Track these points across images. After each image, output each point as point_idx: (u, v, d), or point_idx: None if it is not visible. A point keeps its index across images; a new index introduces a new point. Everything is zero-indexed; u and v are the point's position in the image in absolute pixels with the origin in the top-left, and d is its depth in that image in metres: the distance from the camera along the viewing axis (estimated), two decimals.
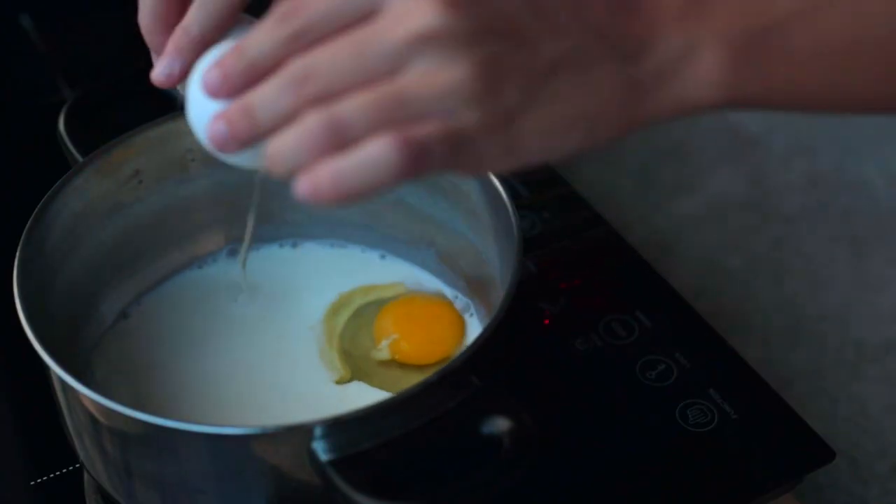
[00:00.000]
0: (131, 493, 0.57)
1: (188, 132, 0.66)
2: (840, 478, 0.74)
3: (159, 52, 0.52)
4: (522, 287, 0.56)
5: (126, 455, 0.55)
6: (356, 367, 0.64)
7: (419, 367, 0.63)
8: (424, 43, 0.41)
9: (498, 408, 0.51)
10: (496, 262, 0.62)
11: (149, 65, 0.54)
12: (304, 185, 0.42)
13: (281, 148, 0.43)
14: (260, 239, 0.71)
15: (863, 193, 0.95)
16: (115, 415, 0.52)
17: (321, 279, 0.69)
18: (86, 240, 0.64)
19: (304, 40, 0.43)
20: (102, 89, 0.71)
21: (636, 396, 0.67)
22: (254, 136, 0.44)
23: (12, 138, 0.88)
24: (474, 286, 0.67)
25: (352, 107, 0.41)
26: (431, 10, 0.41)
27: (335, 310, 0.67)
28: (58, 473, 0.64)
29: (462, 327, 0.64)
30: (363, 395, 0.63)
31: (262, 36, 0.44)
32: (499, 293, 0.57)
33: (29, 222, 0.60)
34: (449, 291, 0.68)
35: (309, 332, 0.66)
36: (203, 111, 0.48)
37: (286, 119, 0.43)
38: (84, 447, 0.58)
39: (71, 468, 0.64)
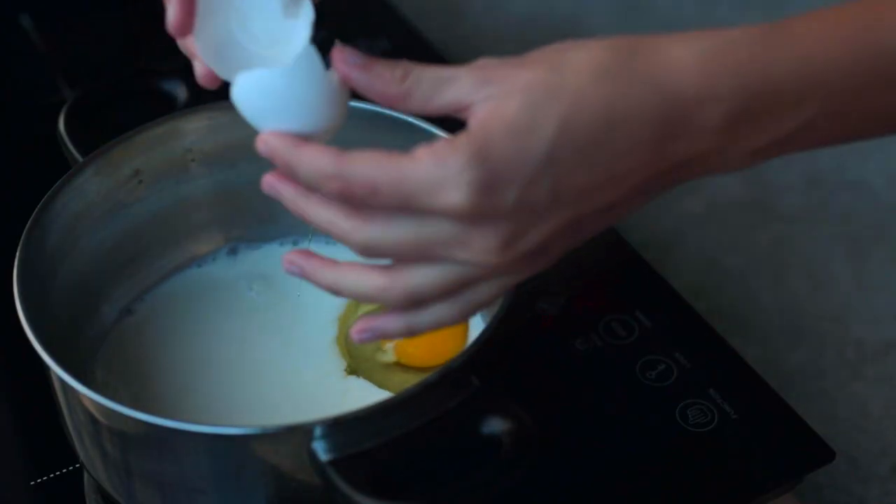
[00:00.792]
0: (131, 493, 0.57)
1: (188, 132, 0.66)
2: (840, 478, 0.74)
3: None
4: (522, 287, 0.56)
5: (126, 455, 0.55)
6: (359, 369, 0.64)
7: (423, 370, 0.63)
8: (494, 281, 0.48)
9: (498, 408, 0.51)
10: None
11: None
12: (375, 332, 0.49)
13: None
14: (260, 238, 0.71)
15: (863, 193, 0.95)
16: (115, 415, 0.52)
17: None
18: (86, 240, 0.64)
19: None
20: (102, 89, 0.71)
21: (636, 396, 0.67)
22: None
23: (12, 138, 0.88)
24: None
25: (424, 282, 0.48)
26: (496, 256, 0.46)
27: (354, 307, 0.67)
28: (58, 473, 0.64)
29: (466, 331, 0.64)
30: (364, 395, 0.63)
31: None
32: None
33: (29, 222, 0.60)
34: None
35: (308, 332, 0.66)
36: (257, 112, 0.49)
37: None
38: (84, 447, 0.58)
39: (71, 468, 0.64)
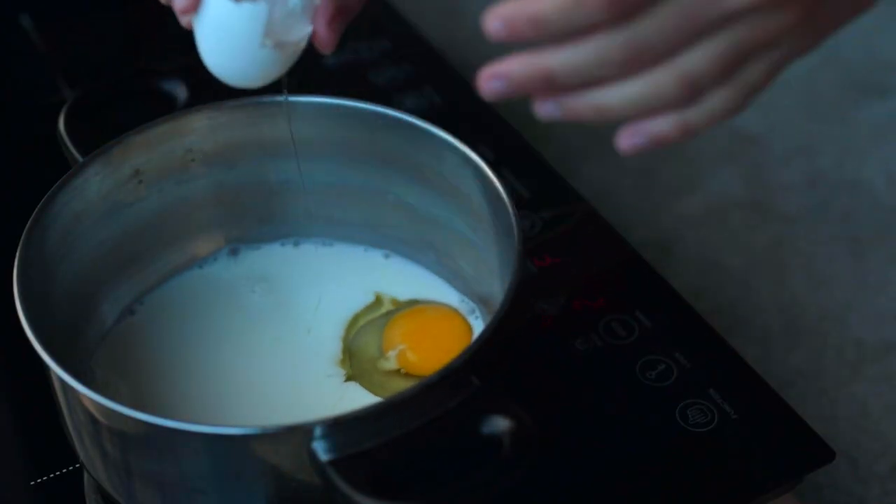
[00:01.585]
0: (131, 493, 0.57)
1: (188, 132, 0.66)
2: (840, 478, 0.74)
3: None
4: (522, 287, 0.56)
5: (126, 455, 0.55)
6: (360, 376, 0.64)
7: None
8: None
9: (498, 408, 0.51)
10: (496, 262, 0.62)
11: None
12: (646, 135, 0.46)
13: (625, 99, 0.45)
14: (261, 238, 0.71)
15: (863, 193, 0.95)
16: (115, 415, 0.52)
17: (322, 279, 0.69)
18: (86, 240, 0.64)
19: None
20: (102, 89, 0.71)
21: (636, 396, 0.67)
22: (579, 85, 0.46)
23: (12, 138, 0.88)
24: (475, 286, 0.67)
25: (699, 64, 0.44)
26: None
27: (367, 311, 0.67)
28: (58, 473, 0.64)
29: (470, 338, 0.64)
30: (365, 396, 0.63)
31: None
32: (499, 293, 0.57)
33: (29, 222, 0.60)
34: (455, 295, 0.68)
35: (309, 332, 0.66)
36: (229, 33, 0.49)
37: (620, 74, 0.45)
38: (84, 447, 0.58)
39: (71, 468, 0.64)
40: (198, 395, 0.63)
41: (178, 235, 0.69)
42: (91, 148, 0.64)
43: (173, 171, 0.67)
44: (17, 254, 0.58)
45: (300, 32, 0.53)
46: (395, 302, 0.67)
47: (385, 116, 0.65)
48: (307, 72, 0.94)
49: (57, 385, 0.56)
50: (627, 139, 0.46)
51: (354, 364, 0.64)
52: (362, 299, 0.68)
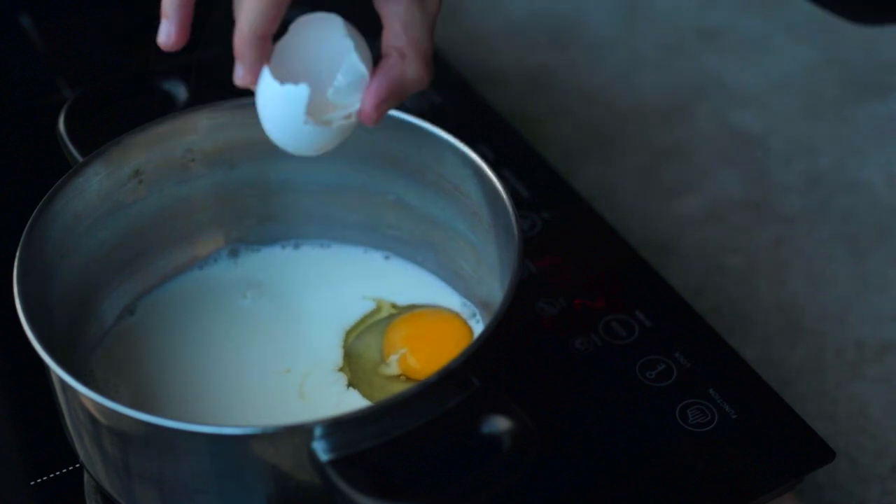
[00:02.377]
0: (131, 494, 0.57)
1: (188, 132, 0.66)
2: (840, 478, 0.74)
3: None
4: (522, 287, 0.56)
5: (126, 455, 0.55)
6: (361, 379, 0.63)
7: None
8: None
9: (498, 408, 0.51)
10: (496, 262, 0.62)
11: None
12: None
13: None
14: (261, 239, 0.71)
15: (863, 193, 0.95)
16: (115, 415, 0.52)
17: (322, 280, 0.69)
18: (86, 240, 0.64)
19: None
20: (102, 89, 0.71)
21: (636, 396, 0.67)
22: None
23: (12, 138, 0.88)
24: (475, 287, 0.67)
25: None
26: None
27: (367, 315, 0.67)
28: (58, 473, 0.64)
29: (470, 341, 0.64)
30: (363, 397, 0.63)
31: None
32: (499, 294, 0.57)
33: (29, 222, 0.60)
34: (456, 298, 0.68)
35: (309, 333, 0.66)
36: (278, 110, 0.53)
37: None
38: (84, 447, 0.58)
39: (71, 468, 0.65)
40: (198, 395, 0.63)
41: (178, 235, 0.69)
42: (91, 148, 0.64)
43: (173, 171, 0.67)
44: (17, 254, 0.58)
45: (345, 111, 0.55)
46: (394, 306, 0.67)
47: (385, 116, 0.65)
48: None
49: (57, 385, 0.56)
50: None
51: (354, 369, 0.64)
52: (362, 302, 0.68)
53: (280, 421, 0.51)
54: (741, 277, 0.88)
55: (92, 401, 0.53)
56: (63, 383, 0.54)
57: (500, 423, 0.51)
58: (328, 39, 0.55)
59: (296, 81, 0.53)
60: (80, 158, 0.64)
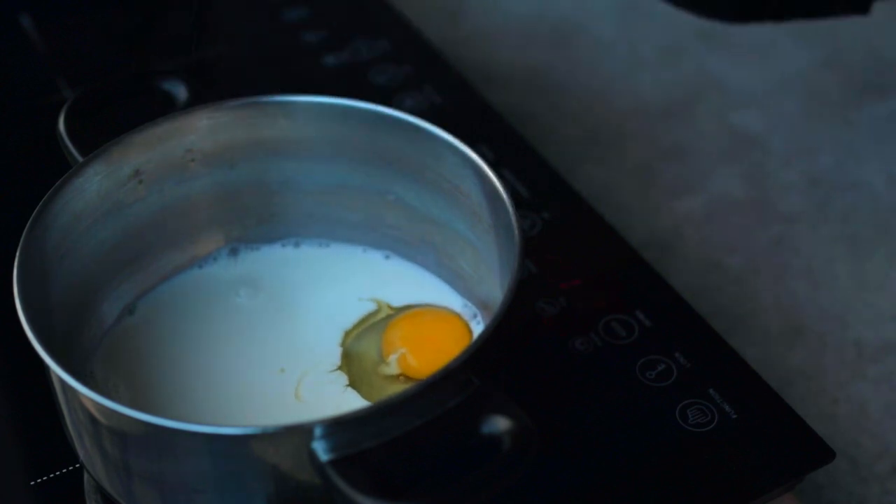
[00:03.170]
0: (131, 493, 0.57)
1: (188, 132, 0.66)
2: (840, 478, 0.74)
3: None
4: (522, 287, 0.56)
5: (126, 455, 0.55)
6: (360, 379, 0.63)
7: None
8: None
9: (498, 408, 0.51)
10: (496, 262, 0.62)
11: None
12: None
13: None
14: (261, 239, 0.71)
15: (863, 193, 0.95)
16: (115, 415, 0.52)
17: (322, 280, 0.69)
18: (86, 240, 0.64)
19: None
20: (102, 89, 0.71)
21: (636, 396, 0.67)
22: None
23: (12, 138, 0.88)
24: (475, 287, 0.67)
25: None
26: None
27: (367, 315, 0.67)
28: (58, 473, 0.65)
29: (470, 341, 0.64)
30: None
31: None
32: (499, 293, 0.57)
33: (29, 222, 0.60)
34: (457, 299, 0.68)
35: (309, 333, 0.66)
36: None
37: None
38: (84, 447, 0.58)
39: (71, 468, 0.65)
40: (198, 395, 0.63)
41: (178, 235, 0.69)
42: (91, 148, 0.64)
43: (173, 171, 0.67)
44: (17, 254, 0.58)
45: None
46: (391, 307, 0.67)
47: (385, 116, 0.65)
48: (307, 72, 0.94)
49: (57, 385, 0.56)
50: None
51: (354, 369, 0.64)
52: (362, 302, 0.68)
53: (279, 421, 0.51)
54: (741, 277, 0.88)
55: (92, 401, 0.53)
56: (63, 383, 0.54)
57: (500, 423, 0.51)
58: None
59: None
60: (80, 158, 0.64)
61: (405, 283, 0.69)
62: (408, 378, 0.63)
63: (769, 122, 1.02)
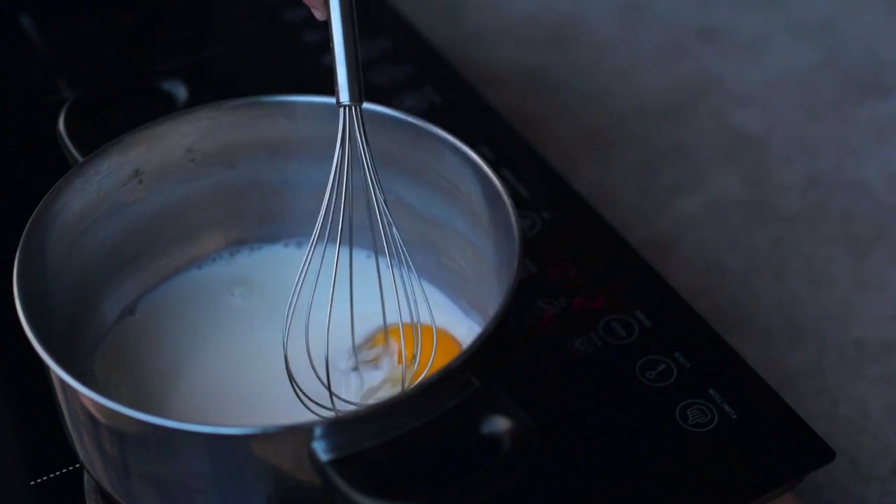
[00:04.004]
0: (131, 493, 0.57)
1: (188, 132, 0.66)
2: (840, 478, 0.74)
3: None
4: (522, 287, 0.56)
5: (126, 455, 0.55)
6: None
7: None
8: None
9: (498, 408, 0.51)
10: (496, 262, 0.62)
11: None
12: None
13: None
14: (262, 238, 0.71)
15: (863, 193, 0.95)
16: (115, 415, 0.52)
17: (322, 279, 0.69)
18: (86, 240, 0.64)
19: None
20: (102, 89, 0.71)
21: (636, 396, 0.67)
22: None
23: (12, 138, 0.88)
24: (474, 287, 0.67)
25: None
26: None
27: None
28: (58, 473, 0.65)
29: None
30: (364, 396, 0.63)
31: None
32: (498, 294, 0.57)
33: (29, 222, 0.60)
34: (455, 304, 0.68)
35: (307, 334, 0.66)
36: None
37: None
38: (84, 447, 0.58)
39: (71, 468, 0.65)
40: (198, 395, 0.63)
41: (178, 235, 0.69)
42: (91, 148, 0.64)
43: (173, 171, 0.67)
44: (17, 254, 0.58)
45: None
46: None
47: (385, 116, 0.65)
48: (307, 72, 0.94)
49: (57, 385, 0.56)
50: None
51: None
52: (362, 301, 0.68)
53: (281, 420, 0.51)
54: (741, 277, 0.88)
55: (92, 401, 0.53)
56: (63, 383, 0.54)
57: (500, 423, 0.51)
58: None
59: None
60: (80, 158, 0.64)
61: (405, 283, 0.69)
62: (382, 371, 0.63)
63: (769, 122, 1.03)
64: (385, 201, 0.61)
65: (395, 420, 0.51)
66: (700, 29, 1.13)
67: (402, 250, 0.61)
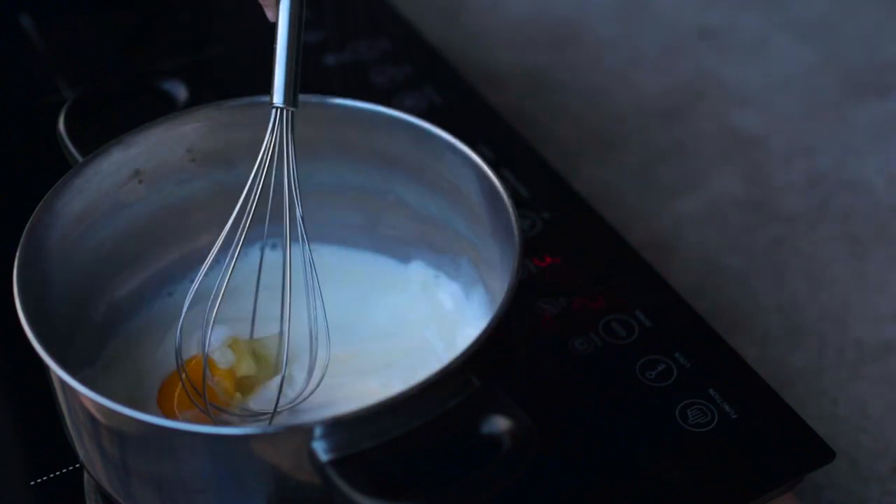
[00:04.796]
0: (131, 493, 0.57)
1: (188, 132, 0.66)
2: (840, 478, 0.74)
3: None
4: (522, 287, 0.56)
5: (125, 455, 0.55)
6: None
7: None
8: None
9: (498, 408, 0.51)
10: (496, 262, 0.62)
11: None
12: None
13: None
14: (261, 238, 0.71)
15: (863, 193, 0.95)
16: (114, 415, 0.52)
17: (323, 280, 0.69)
18: (86, 240, 0.64)
19: None
20: (102, 89, 0.71)
21: (636, 396, 0.67)
22: None
23: (12, 138, 0.88)
24: (474, 287, 0.67)
25: None
26: None
27: None
28: (58, 473, 0.65)
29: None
30: (363, 396, 0.63)
31: None
32: (499, 294, 0.57)
33: (29, 222, 0.60)
34: (457, 295, 0.68)
35: (307, 333, 0.66)
36: None
37: None
38: (84, 447, 0.58)
39: (71, 468, 0.65)
40: None
41: (178, 235, 0.69)
42: (91, 148, 0.64)
43: (173, 171, 0.67)
44: (17, 254, 0.58)
45: None
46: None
47: (385, 116, 0.65)
48: (307, 72, 0.94)
49: (57, 385, 0.56)
50: None
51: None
52: (361, 301, 0.68)
53: (280, 420, 0.51)
54: (741, 277, 0.88)
55: (92, 401, 0.53)
56: (63, 383, 0.54)
57: (500, 423, 0.51)
58: None
59: None
60: (80, 158, 0.64)
61: (404, 283, 0.69)
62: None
63: (769, 122, 1.02)
64: (302, 215, 0.61)
65: (395, 420, 0.51)
66: (700, 29, 1.13)
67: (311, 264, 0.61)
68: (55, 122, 0.67)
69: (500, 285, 0.60)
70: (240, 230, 0.60)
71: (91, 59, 0.94)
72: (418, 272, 0.69)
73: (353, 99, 0.66)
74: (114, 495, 0.58)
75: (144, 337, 0.66)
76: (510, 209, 0.59)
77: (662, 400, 0.67)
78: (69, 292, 0.63)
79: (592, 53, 1.11)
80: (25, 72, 0.95)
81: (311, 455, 0.51)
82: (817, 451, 0.64)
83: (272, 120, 0.60)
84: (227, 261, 0.61)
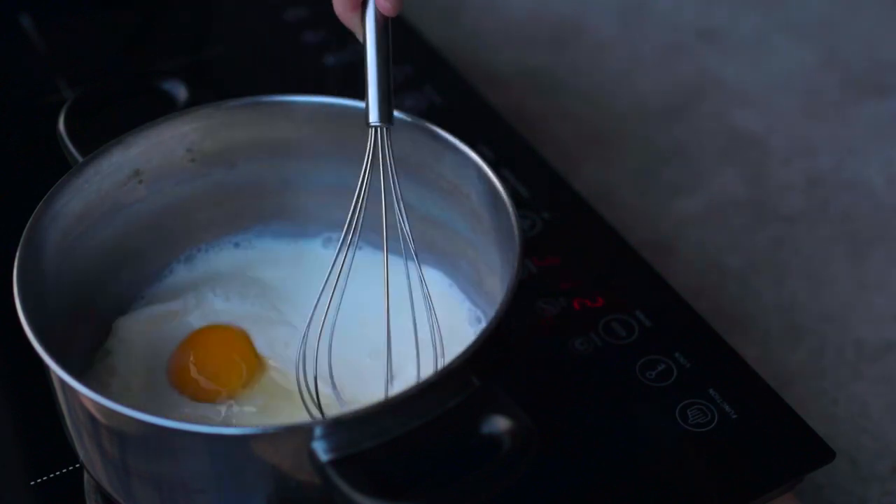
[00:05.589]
0: (131, 493, 0.57)
1: (188, 132, 0.66)
2: (840, 478, 0.74)
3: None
4: (522, 287, 0.56)
5: (125, 455, 0.55)
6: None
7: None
8: None
9: (498, 408, 0.51)
10: (496, 262, 0.62)
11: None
12: None
13: None
14: (260, 238, 0.71)
15: (863, 193, 0.95)
16: (115, 415, 0.52)
17: (320, 281, 0.69)
18: (86, 240, 0.64)
19: None
20: (102, 89, 0.71)
21: (636, 396, 0.67)
22: None
23: (12, 138, 0.88)
24: (474, 287, 0.67)
25: None
26: None
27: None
28: (58, 473, 0.65)
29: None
30: (362, 397, 0.63)
31: None
32: (499, 293, 0.57)
33: (29, 222, 0.60)
34: (462, 301, 0.68)
35: (306, 333, 0.66)
36: None
37: None
38: (84, 447, 0.58)
39: (71, 468, 0.65)
40: None
41: (178, 235, 0.69)
42: (91, 148, 0.64)
43: (173, 171, 0.67)
44: (17, 254, 0.58)
45: None
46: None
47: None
48: (307, 72, 0.94)
49: (57, 385, 0.56)
50: None
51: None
52: (361, 301, 0.68)
53: (280, 421, 0.51)
54: (741, 277, 0.88)
55: (92, 401, 0.53)
56: (63, 383, 0.54)
57: (500, 423, 0.51)
58: None
59: None
60: (80, 158, 0.64)
61: (403, 283, 0.69)
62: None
63: (769, 122, 1.02)
64: (409, 226, 0.61)
65: (395, 420, 0.51)
66: (700, 29, 1.13)
67: (422, 277, 0.61)
68: (55, 122, 0.67)
69: (500, 285, 0.60)
70: (343, 259, 0.60)
71: (91, 59, 0.94)
72: (418, 272, 0.69)
73: (353, 99, 0.66)
74: (114, 495, 0.58)
75: (145, 336, 0.66)
76: (510, 209, 0.59)
77: (662, 400, 0.67)
78: (69, 292, 0.63)
79: (593, 53, 1.11)
80: (25, 72, 0.95)
81: (311, 455, 0.51)
82: (817, 451, 0.64)
83: (370, 139, 0.60)
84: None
